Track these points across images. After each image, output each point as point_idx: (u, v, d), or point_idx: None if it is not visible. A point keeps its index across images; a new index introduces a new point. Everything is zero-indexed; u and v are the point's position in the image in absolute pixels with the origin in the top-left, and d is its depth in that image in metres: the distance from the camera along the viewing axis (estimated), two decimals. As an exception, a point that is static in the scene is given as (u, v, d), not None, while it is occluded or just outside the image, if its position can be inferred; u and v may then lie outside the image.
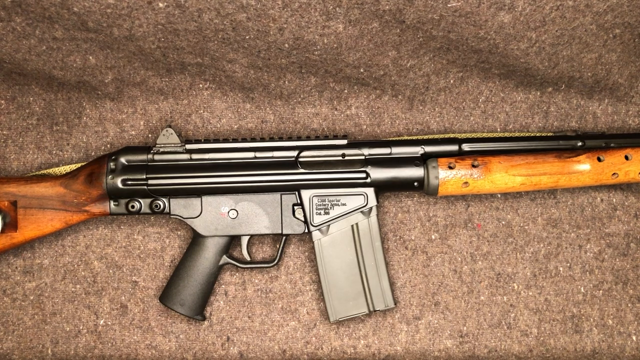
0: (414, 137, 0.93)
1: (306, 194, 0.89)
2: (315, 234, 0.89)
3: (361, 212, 0.89)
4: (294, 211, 0.90)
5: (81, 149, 0.98)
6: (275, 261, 0.92)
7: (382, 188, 0.89)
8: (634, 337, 0.95)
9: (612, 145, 0.90)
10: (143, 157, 0.89)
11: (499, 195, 0.98)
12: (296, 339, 0.94)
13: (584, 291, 0.96)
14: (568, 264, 0.96)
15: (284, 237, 0.91)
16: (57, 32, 0.84)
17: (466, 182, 0.87)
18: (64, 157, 0.98)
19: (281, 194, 0.90)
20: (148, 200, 0.89)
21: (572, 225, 0.97)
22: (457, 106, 0.98)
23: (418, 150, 0.90)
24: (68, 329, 0.95)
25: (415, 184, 0.88)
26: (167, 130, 0.90)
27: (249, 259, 0.92)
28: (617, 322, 0.95)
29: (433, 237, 0.96)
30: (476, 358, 0.94)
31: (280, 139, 0.90)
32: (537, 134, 0.95)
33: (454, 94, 0.97)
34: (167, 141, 0.90)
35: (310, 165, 0.89)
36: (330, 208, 0.89)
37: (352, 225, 0.89)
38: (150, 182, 0.88)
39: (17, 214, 0.88)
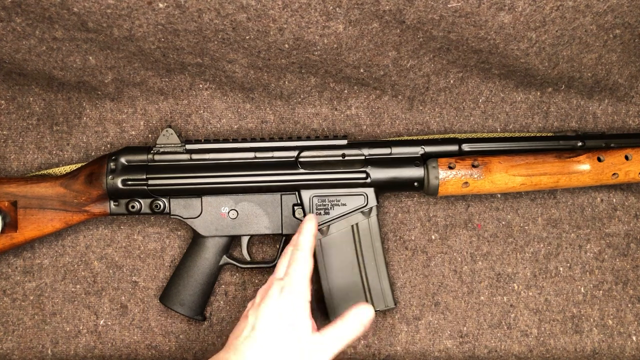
0: (414, 137, 0.93)
1: (306, 194, 0.89)
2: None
3: (361, 212, 0.89)
4: (294, 211, 0.90)
5: (81, 149, 0.98)
6: (275, 261, 0.92)
7: (382, 188, 0.89)
8: (634, 337, 0.95)
9: (612, 145, 0.90)
10: (143, 157, 0.89)
11: (499, 196, 0.98)
12: (296, 339, 0.94)
13: (584, 291, 0.96)
14: (568, 264, 0.96)
15: (284, 237, 0.91)
16: (57, 33, 0.84)
17: (466, 182, 0.87)
18: (64, 157, 0.98)
19: (281, 194, 0.90)
20: (148, 201, 0.89)
21: (572, 225, 0.97)
22: (457, 106, 0.98)
23: (418, 150, 0.90)
24: (68, 329, 0.95)
25: (416, 184, 0.88)
26: (167, 131, 0.90)
27: (249, 259, 0.92)
28: (617, 322, 0.95)
29: (433, 237, 0.97)
30: (476, 358, 0.94)
31: (281, 139, 0.90)
32: (537, 134, 0.96)
33: (454, 94, 0.97)
34: (167, 141, 0.90)
35: (311, 165, 0.89)
36: (331, 208, 0.89)
37: (352, 226, 0.89)
38: (150, 182, 0.88)
39: (17, 214, 0.88)
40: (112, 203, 0.89)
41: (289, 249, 0.80)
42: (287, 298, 0.73)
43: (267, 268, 0.95)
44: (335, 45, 0.85)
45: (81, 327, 0.95)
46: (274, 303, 0.73)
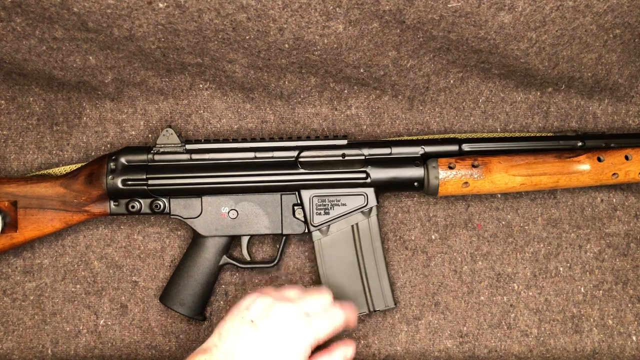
0: (414, 137, 0.93)
1: (306, 194, 0.89)
2: (315, 234, 0.89)
3: (361, 212, 0.89)
4: (294, 211, 0.90)
5: (81, 149, 0.98)
6: (275, 261, 0.92)
7: (382, 188, 0.89)
8: (634, 337, 0.95)
9: (612, 145, 0.90)
10: (143, 157, 0.89)
11: (499, 195, 0.98)
12: (296, 339, 0.94)
13: (584, 291, 0.96)
14: (568, 264, 0.96)
15: (284, 237, 0.91)
16: (57, 32, 0.84)
17: (466, 182, 0.87)
18: (64, 157, 0.98)
19: (281, 194, 0.90)
20: (148, 201, 0.89)
21: (572, 225, 0.97)
22: (457, 106, 0.98)
23: (418, 150, 0.90)
24: (68, 329, 0.95)
25: (416, 184, 0.88)
26: (167, 131, 0.90)
27: (249, 259, 0.92)
28: (617, 322, 0.95)
29: (433, 237, 0.96)
30: (476, 358, 0.94)
31: (281, 139, 0.90)
32: (537, 134, 0.96)
33: (454, 94, 0.97)
34: (167, 141, 0.90)
35: (311, 165, 0.89)
36: (331, 208, 0.89)
37: (352, 226, 0.89)
38: (150, 182, 0.88)
39: (17, 214, 0.88)
40: (112, 203, 0.89)
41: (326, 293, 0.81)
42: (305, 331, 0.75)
43: (267, 268, 0.95)
44: (335, 45, 0.85)
45: (81, 327, 0.95)
46: (293, 327, 0.75)
